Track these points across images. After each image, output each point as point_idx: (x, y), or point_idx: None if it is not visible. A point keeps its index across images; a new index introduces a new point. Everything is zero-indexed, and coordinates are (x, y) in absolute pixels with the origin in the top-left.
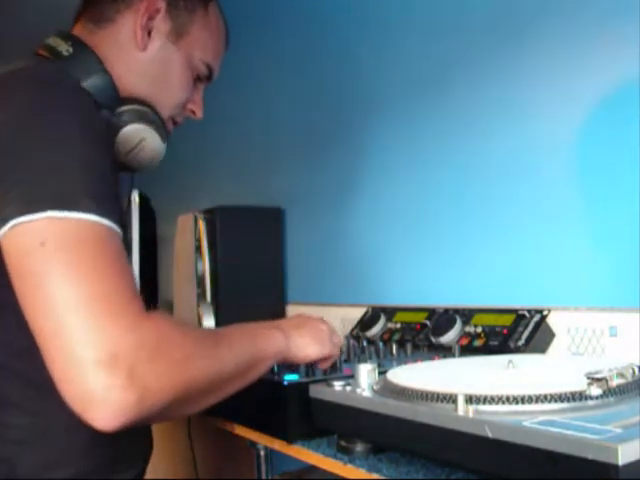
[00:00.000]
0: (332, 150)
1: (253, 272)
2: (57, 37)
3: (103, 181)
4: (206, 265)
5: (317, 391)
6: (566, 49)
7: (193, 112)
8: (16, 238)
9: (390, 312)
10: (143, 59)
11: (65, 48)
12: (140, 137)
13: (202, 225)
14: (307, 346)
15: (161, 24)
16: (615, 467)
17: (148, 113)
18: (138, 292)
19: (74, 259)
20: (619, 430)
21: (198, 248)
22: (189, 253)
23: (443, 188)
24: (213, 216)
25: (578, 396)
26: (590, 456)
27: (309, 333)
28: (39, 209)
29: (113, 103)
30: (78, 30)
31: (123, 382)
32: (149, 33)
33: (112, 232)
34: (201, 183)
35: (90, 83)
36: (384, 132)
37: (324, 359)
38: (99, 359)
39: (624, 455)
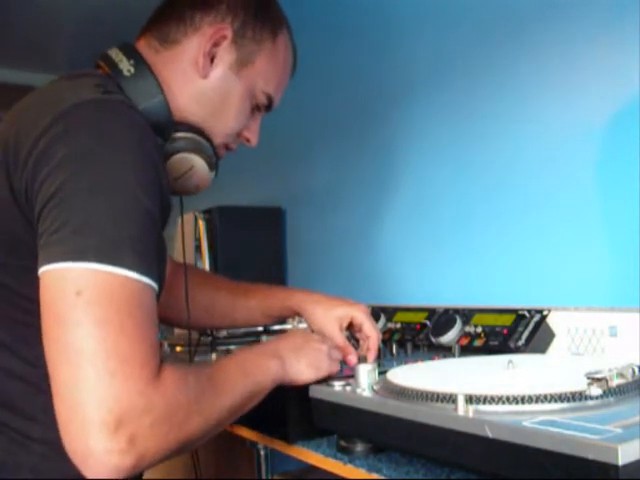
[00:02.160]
0: (332, 150)
1: (253, 272)
2: (120, 51)
3: (150, 232)
4: (206, 265)
5: (317, 391)
6: (569, 50)
7: (248, 140)
8: (55, 280)
9: (390, 312)
10: (203, 86)
11: (127, 67)
12: (189, 166)
13: (202, 225)
14: (304, 372)
15: (225, 52)
16: (615, 467)
17: (201, 142)
18: (157, 351)
19: (103, 315)
20: (619, 430)
21: (198, 248)
22: (189, 253)
23: (444, 188)
24: (213, 216)
25: (578, 396)
26: (590, 456)
27: (306, 357)
28: (83, 259)
29: (166, 128)
30: (142, 46)
31: (122, 447)
32: (212, 60)
33: (148, 289)
34: None
35: (146, 107)
36: (384, 132)
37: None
38: (104, 421)
39: (624, 455)
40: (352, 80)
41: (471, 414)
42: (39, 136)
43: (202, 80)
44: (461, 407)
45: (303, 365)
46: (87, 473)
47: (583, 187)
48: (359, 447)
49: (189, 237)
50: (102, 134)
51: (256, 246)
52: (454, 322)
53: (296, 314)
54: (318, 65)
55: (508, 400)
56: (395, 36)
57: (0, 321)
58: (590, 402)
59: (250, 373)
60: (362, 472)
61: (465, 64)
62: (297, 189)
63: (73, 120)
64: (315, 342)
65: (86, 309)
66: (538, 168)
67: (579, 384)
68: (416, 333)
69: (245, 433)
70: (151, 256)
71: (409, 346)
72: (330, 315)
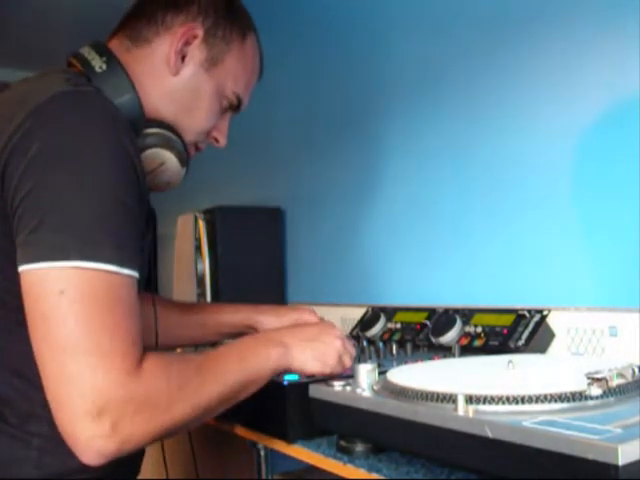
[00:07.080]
0: (332, 150)
1: (253, 272)
2: (92, 50)
3: (129, 223)
4: (206, 265)
5: (317, 391)
6: (568, 50)
7: (216, 140)
8: (38, 280)
9: (390, 312)
10: (174, 84)
11: (99, 64)
12: (160, 161)
13: (202, 225)
14: (308, 363)
15: (196, 51)
16: (615, 467)
17: (172, 138)
18: (139, 342)
19: (87, 312)
20: (619, 430)
21: (198, 248)
22: (189, 253)
23: (443, 188)
24: (213, 216)
25: (578, 396)
26: (590, 456)
27: (314, 350)
28: (66, 257)
29: (138, 124)
30: (114, 45)
31: (106, 432)
32: (183, 58)
33: (129, 281)
34: (201, 183)
35: (118, 103)
36: (384, 132)
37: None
38: (88, 410)
39: (624, 455)
40: (351, 81)
41: (471, 414)
42: (13, 133)
43: (173, 77)
44: (461, 407)
45: (308, 356)
46: (79, 457)
47: (583, 186)
48: (359, 447)
49: (189, 237)
50: (75, 127)
51: (256, 246)
52: (454, 322)
53: (247, 327)
54: (317, 66)
55: (508, 400)
56: (391, 36)
57: None
58: (590, 402)
59: (247, 360)
60: (362, 472)
61: (462, 64)
62: (297, 189)
63: (46, 114)
64: (329, 337)
65: (69, 308)
66: (538, 167)
67: (579, 384)
68: (416, 333)
69: (245, 433)
70: (130, 246)
71: (409, 346)
72: (282, 322)
